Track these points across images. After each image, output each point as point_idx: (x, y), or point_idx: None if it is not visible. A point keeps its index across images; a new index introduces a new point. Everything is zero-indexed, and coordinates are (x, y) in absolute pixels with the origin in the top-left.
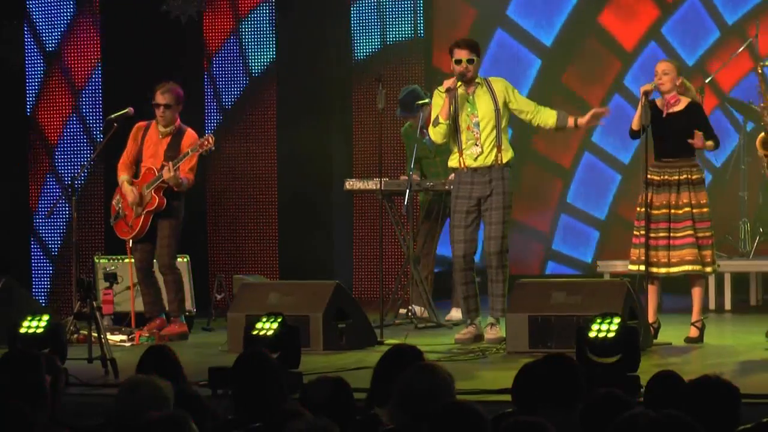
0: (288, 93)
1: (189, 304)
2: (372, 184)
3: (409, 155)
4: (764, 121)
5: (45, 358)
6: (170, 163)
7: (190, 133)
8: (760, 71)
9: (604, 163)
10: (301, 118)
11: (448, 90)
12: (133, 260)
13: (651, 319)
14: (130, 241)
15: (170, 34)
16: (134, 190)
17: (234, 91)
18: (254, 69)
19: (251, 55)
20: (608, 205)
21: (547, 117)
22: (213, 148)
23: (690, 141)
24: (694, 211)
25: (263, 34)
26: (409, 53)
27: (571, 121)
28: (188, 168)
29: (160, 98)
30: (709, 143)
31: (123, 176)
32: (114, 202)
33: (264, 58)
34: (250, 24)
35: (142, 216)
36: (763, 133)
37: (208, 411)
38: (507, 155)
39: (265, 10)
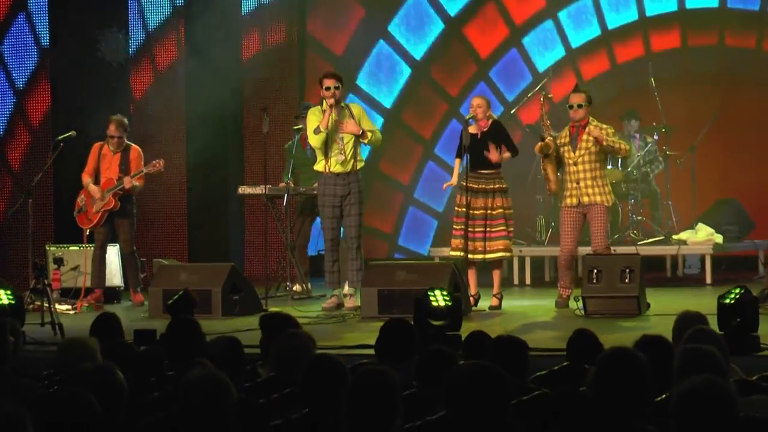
0: (195, 118)
1: (118, 281)
2: (259, 190)
3: (287, 166)
4: (542, 134)
5: (9, 323)
6: (128, 176)
7: (134, 149)
8: (542, 100)
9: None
10: (204, 137)
11: (330, 106)
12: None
13: (473, 291)
14: (88, 230)
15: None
16: (99, 189)
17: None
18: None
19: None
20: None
21: (378, 139)
22: (162, 170)
23: (485, 153)
24: (506, 212)
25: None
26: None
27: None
28: (140, 176)
29: (115, 131)
30: (506, 155)
31: (87, 180)
32: (79, 199)
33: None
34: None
35: (100, 213)
36: (540, 142)
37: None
38: (360, 164)
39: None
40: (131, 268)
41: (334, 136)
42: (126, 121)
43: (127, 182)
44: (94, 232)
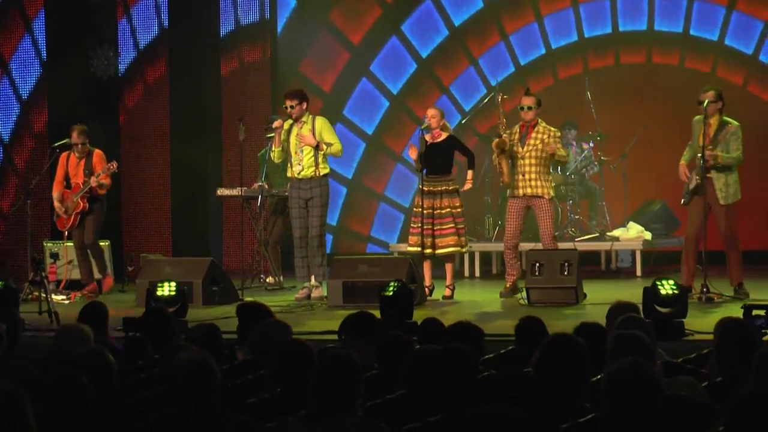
0: (178, 126)
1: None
2: (236, 191)
3: (261, 171)
4: (498, 132)
5: (10, 312)
6: (93, 177)
7: (98, 152)
8: (500, 99)
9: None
10: (187, 144)
11: (275, 128)
12: (72, 243)
13: (428, 282)
14: (67, 231)
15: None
16: (60, 206)
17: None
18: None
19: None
20: None
21: (336, 151)
22: (116, 171)
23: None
24: (453, 210)
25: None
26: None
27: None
28: (105, 176)
29: (77, 138)
30: (468, 185)
31: (54, 195)
32: (56, 205)
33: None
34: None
35: (73, 216)
36: (497, 138)
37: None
38: (323, 171)
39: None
40: (96, 257)
41: (296, 149)
42: (86, 128)
43: (93, 181)
44: (72, 234)
